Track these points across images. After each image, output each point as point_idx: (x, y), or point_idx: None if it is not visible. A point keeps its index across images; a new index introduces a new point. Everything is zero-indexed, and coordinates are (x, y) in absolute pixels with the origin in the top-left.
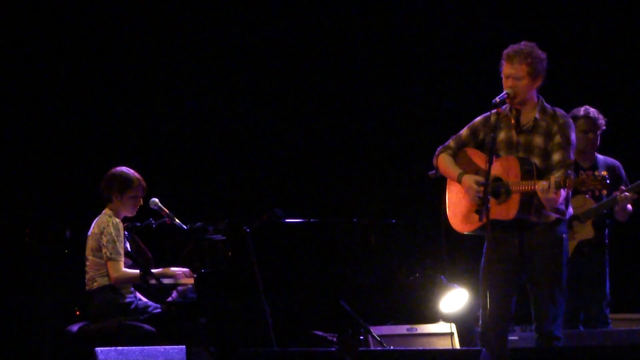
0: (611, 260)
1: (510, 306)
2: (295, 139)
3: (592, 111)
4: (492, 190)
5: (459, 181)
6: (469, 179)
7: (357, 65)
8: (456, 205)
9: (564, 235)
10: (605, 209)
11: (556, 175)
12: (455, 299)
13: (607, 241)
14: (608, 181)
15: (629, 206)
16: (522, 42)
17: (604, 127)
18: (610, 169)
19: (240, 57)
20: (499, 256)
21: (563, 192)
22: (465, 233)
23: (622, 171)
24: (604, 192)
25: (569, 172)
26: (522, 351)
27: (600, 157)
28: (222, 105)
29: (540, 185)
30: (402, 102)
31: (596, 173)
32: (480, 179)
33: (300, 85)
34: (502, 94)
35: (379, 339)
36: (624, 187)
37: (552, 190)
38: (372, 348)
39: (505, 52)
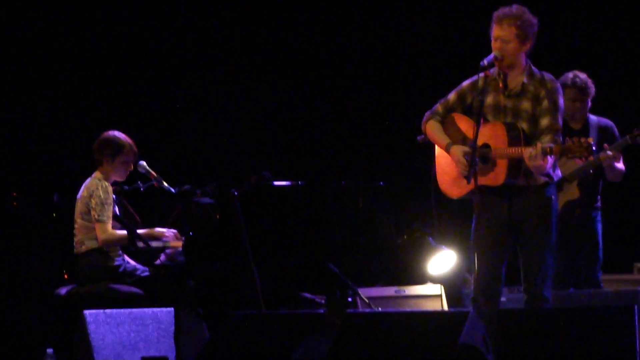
0: (604, 222)
1: (501, 270)
2: (284, 101)
3: (581, 78)
4: (479, 156)
5: (447, 151)
6: (457, 150)
7: (347, 27)
8: (445, 169)
9: (552, 197)
10: (592, 169)
11: (543, 141)
12: (443, 261)
13: (599, 203)
14: (594, 148)
15: (618, 165)
16: (513, 5)
17: (594, 93)
18: (603, 129)
19: (230, 17)
20: (488, 220)
21: (550, 159)
22: (455, 197)
23: (616, 131)
24: (590, 158)
25: (557, 137)
26: (511, 312)
27: (593, 118)
28: (211, 67)
29: (527, 152)
30: (391, 63)
31: (582, 140)
32: (468, 150)
33: (290, 46)
34: (489, 57)
35: (367, 300)
36: (606, 146)
37: (539, 158)
38: (360, 310)
39: (495, 14)
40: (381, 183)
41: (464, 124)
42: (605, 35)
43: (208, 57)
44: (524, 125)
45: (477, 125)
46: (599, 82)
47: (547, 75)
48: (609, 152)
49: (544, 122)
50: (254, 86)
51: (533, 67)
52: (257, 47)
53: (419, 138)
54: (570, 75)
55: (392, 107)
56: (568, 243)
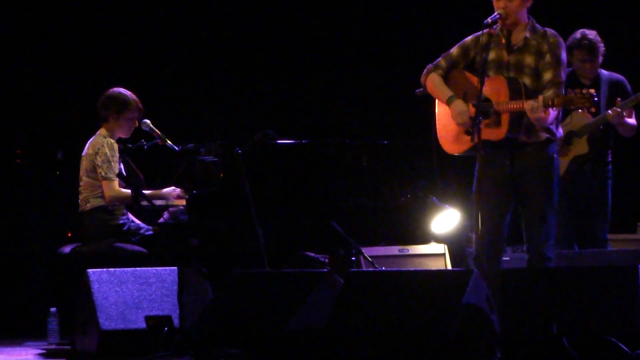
0: (615, 178)
1: (503, 228)
2: (286, 59)
3: (589, 39)
4: (481, 111)
5: (448, 104)
6: (458, 105)
7: None
8: (446, 125)
9: (554, 155)
10: (601, 125)
11: (546, 95)
12: (446, 220)
13: (610, 158)
14: (596, 99)
15: (630, 120)
16: None
17: (603, 50)
18: (614, 84)
19: None
20: (490, 178)
21: (552, 112)
22: (456, 154)
23: (628, 86)
24: (593, 109)
25: (559, 90)
26: (513, 271)
27: (604, 73)
28: (211, 25)
29: (529, 105)
30: (392, 20)
31: (584, 91)
32: (468, 108)
33: (288, 3)
34: (494, 15)
35: (370, 260)
36: (619, 101)
37: (540, 109)
38: (363, 269)
39: None
40: (385, 141)
41: (466, 80)
42: None
43: (210, 15)
44: (526, 80)
45: (481, 83)
46: (611, 38)
47: (550, 31)
48: (618, 109)
49: (547, 76)
50: (257, 44)
51: (536, 23)
52: (259, 3)
53: (417, 91)
54: (578, 35)
55: (395, 64)
56: (575, 200)
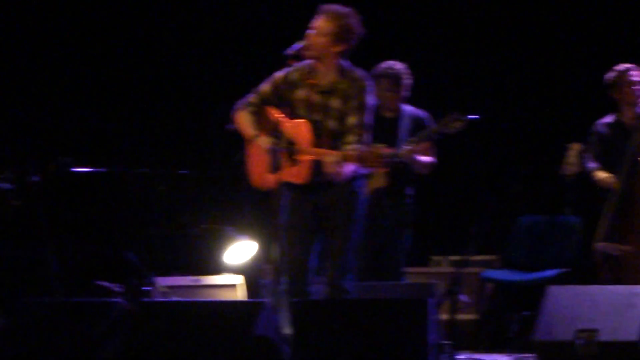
0: (416, 212)
1: (309, 261)
2: (84, 83)
3: (395, 69)
4: (287, 153)
5: (254, 143)
6: (264, 142)
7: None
8: (255, 160)
9: (359, 190)
10: (398, 159)
11: (349, 140)
12: (243, 251)
13: (409, 191)
14: (386, 159)
15: (423, 158)
16: (347, 7)
17: (409, 83)
18: (416, 120)
19: None
20: (297, 214)
21: (350, 166)
22: (263, 188)
23: (429, 122)
24: (381, 170)
25: (363, 136)
26: (309, 303)
27: (407, 108)
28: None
29: (328, 158)
30: (200, 49)
31: (379, 151)
32: (274, 144)
33: (91, 28)
34: (296, 46)
35: (164, 289)
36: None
37: (337, 165)
38: (156, 299)
39: (322, 6)
40: (185, 171)
41: (275, 118)
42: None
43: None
44: (333, 123)
45: (286, 124)
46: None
47: (359, 73)
48: (407, 147)
49: (351, 120)
50: (55, 68)
51: (346, 65)
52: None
53: (228, 127)
54: (384, 65)
55: (200, 94)
56: (374, 232)
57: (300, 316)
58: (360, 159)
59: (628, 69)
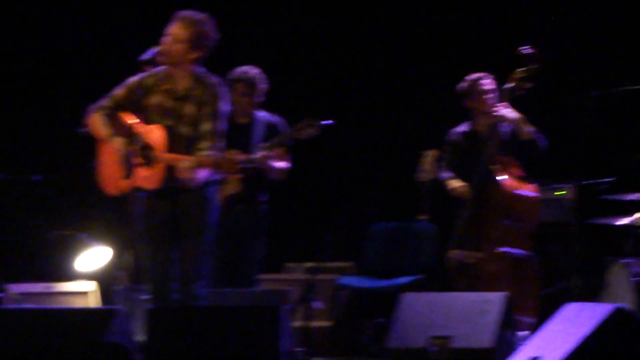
0: (270, 218)
1: (168, 267)
2: None
3: (250, 74)
4: (140, 157)
5: (109, 142)
6: (117, 143)
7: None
8: (108, 166)
9: (212, 196)
10: (252, 164)
11: (203, 146)
12: (96, 257)
13: (263, 198)
14: (244, 165)
15: (278, 164)
16: (199, 13)
17: (264, 88)
18: (270, 126)
19: None
20: (152, 220)
21: (204, 172)
22: (115, 194)
23: (283, 128)
24: (236, 176)
25: (217, 142)
26: (165, 310)
27: (260, 114)
28: None
29: (182, 164)
30: (53, 53)
31: (233, 157)
32: (128, 145)
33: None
34: (151, 51)
35: (16, 296)
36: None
37: (191, 171)
38: (8, 306)
39: (178, 13)
40: (38, 177)
41: (129, 123)
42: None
43: None
44: (186, 129)
45: (141, 128)
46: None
47: (213, 80)
48: (261, 153)
49: (205, 127)
50: None
51: (200, 71)
52: None
53: (80, 130)
54: (239, 70)
55: (54, 98)
56: (228, 239)
57: (154, 323)
58: (215, 165)
59: (479, 78)
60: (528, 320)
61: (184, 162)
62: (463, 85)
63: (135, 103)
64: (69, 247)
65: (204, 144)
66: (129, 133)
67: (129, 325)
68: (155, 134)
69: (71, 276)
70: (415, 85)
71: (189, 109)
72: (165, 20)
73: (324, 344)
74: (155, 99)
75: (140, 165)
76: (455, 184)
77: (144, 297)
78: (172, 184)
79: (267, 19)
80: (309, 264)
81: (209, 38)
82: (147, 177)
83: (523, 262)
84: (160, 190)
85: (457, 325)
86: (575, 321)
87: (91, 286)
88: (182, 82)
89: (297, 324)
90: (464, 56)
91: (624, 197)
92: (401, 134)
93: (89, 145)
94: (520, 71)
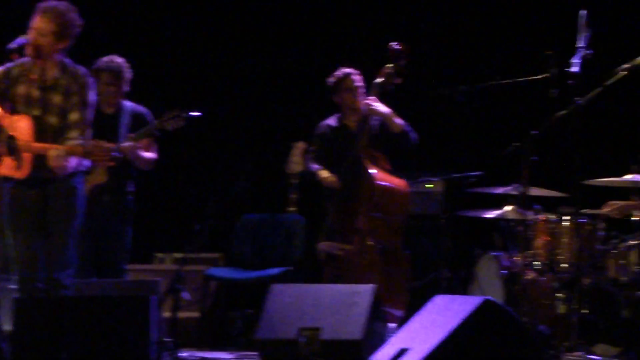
0: (140, 208)
1: (37, 257)
2: None
3: (116, 62)
4: (6, 148)
5: None
6: None
7: None
8: None
9: (78, 187)
10: (118, 154)
11: (71, 136)
12: None
13: (130, 188)
14: (114, 153)
15: (146, 154)
16: (61, 2)
17: (129, 78)
18: (136, 116)
19: None
20: (20, 210)
21: (74, 160)
22: None
23: (150, 118)
24: (110, 163)
25: (85, 131)
26: (27, 300)
27: (127, 104)
28: None
29: (52, 153)
30: None
31: (105, 146)
32: None
33: None
34: (18, 41)
35: None
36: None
37: (62, 160)
38: None
39: (39, 5)
40: None
41: None
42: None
43: None
44: (54, 119)
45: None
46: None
47: (81, 70)
48: (128, 143)
49: (73, 116)
50: None
51: (67, 61)
52: None
53: None
54: (106, 59)
55: None
56: (94, 229)
57: (20, 313)
58: (86, 153)
59: (348, 75)
60: (397, 312)
61: (55, 151)
62: (331, 81)
63: (2, 93)
64: None
65: (73, 133)
66: None
67: None
68: (20, 124)
69: None
70: (285, 77)
71: (56, 98)
72: (32, 8)
73: (193, 335)
74: (21, 89)
75: (7, 155)
76: (325, 174)
77: (12, 286)
78: (40, 173)
79: (133, 6)
80: (178, 255)
81: (73, 27)
82: (14, 167)
83: (392, 254)
84: (27, 180)
85: (326, 316)
86: (444, 313)
87: None
88: (50, 72)
89: (166, 314)
90: (334, 49)
91: (492, 190)
92: (270, 125)
93: None
94: (389, 66)
